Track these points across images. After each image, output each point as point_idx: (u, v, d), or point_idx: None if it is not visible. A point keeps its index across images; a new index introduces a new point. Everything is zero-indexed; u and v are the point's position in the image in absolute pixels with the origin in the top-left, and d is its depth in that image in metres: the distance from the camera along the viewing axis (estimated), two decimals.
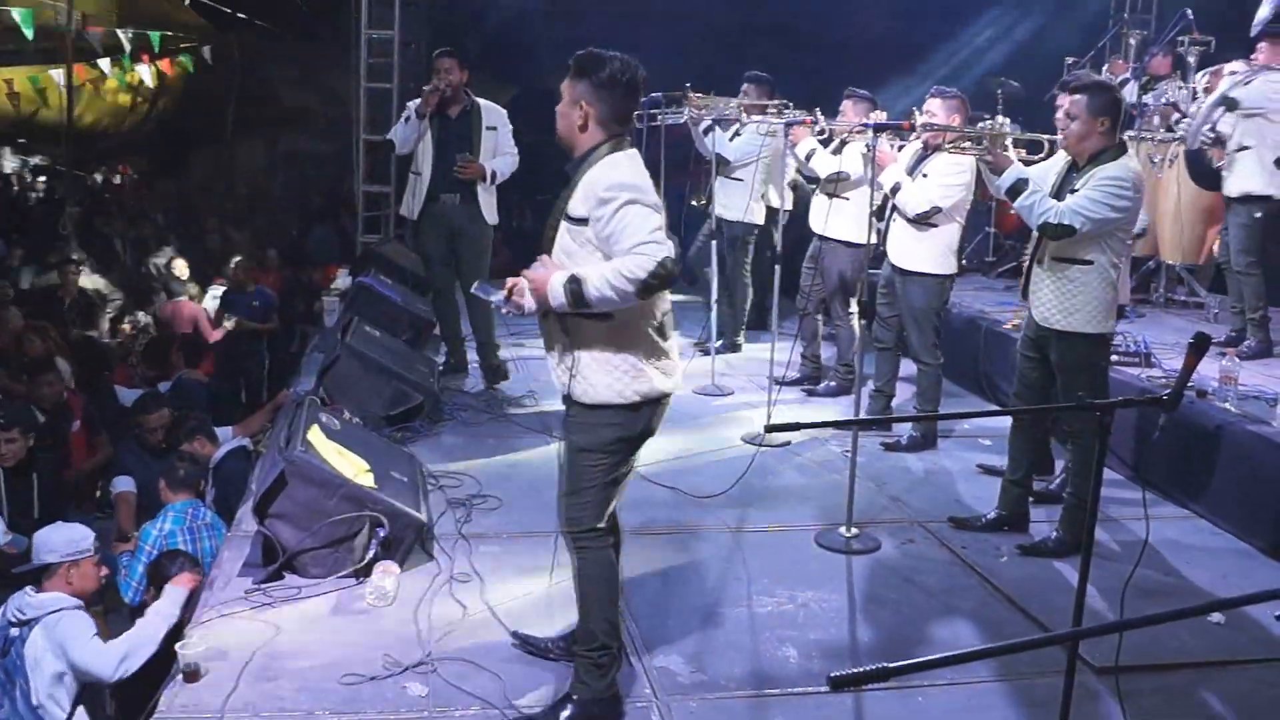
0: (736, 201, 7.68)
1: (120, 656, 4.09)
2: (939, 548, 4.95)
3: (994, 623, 4.25)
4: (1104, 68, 9.19)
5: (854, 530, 4.92)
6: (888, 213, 6.20)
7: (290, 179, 19.15)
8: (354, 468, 4.54)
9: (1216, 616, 4.27)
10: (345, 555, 4.35)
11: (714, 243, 7.44)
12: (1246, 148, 6.68)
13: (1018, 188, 4.76)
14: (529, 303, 3.40)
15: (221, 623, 3.99)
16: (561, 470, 3.51)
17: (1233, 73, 7.00)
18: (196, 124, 18.52)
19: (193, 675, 3.61)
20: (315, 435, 4.64)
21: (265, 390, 9.44)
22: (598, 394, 3.34)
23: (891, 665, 1.55)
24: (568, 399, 3.44)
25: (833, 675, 1.55)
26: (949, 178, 5.89)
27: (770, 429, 2.58)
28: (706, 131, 7.55)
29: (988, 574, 4.66)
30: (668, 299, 3.47)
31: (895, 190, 6.00)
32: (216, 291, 10.86)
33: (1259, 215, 6.64)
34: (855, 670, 1.56)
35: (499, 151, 6.88)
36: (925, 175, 5.95)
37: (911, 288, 6.10)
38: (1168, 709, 3.68)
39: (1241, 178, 6.70)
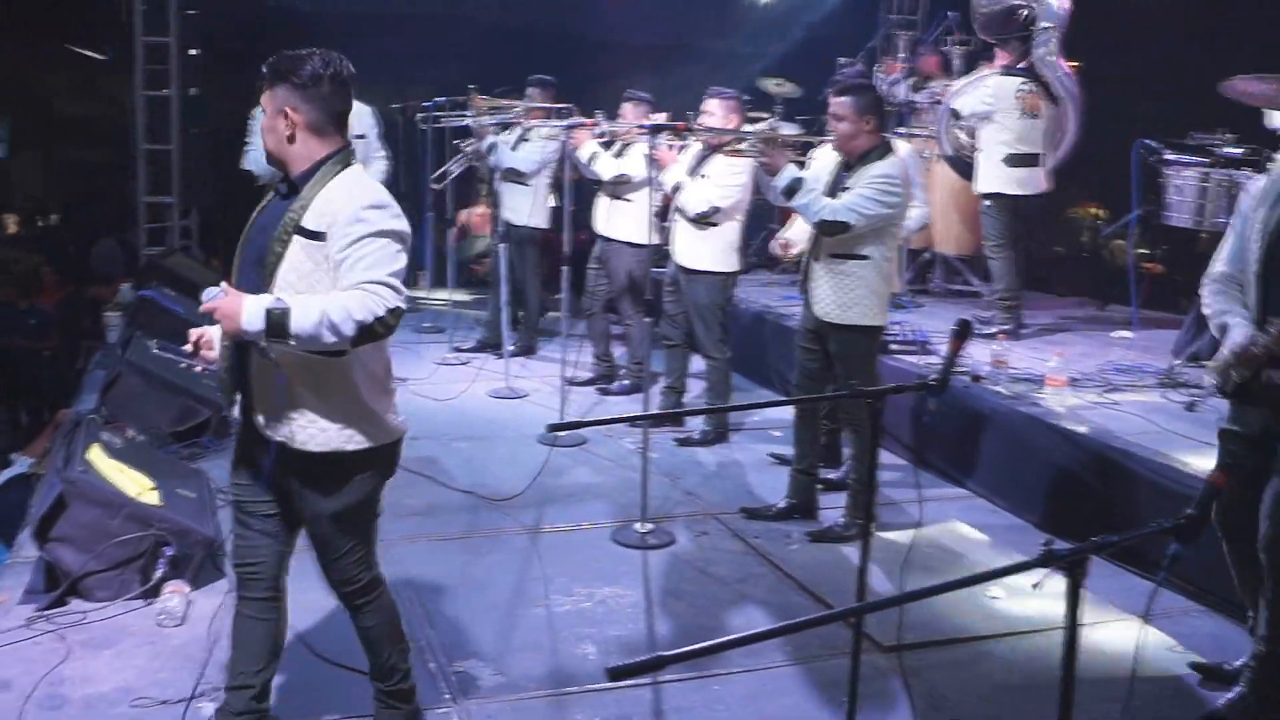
0: (522, 205, 7.66)
1: None
2: (732, 538, 5.05)
3: (786, 608, 4.35)
4: (877, 68, 9.56)
5: (649, 525, 4.98)
6: (671, 213, 6.30)
7: (68, 191, 18.13)
8: (138, 486, 4.40)
9: (996, 590, 4.49)
10: (132, 577, 4.20)
11: (502, 246, 7.41)
12: (979, 150, 7.29)
13: (793, 187, 4.88)
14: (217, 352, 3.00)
15: (2, 653, 3.77)
16: (314, 540, 3.11)
17: (960, 83, 7.74)
18: None
19: None
20: (96, 454, 4.50)
21: (47, 412, 8.94)
22: (331, 440, 2.93)
23: (666, 654, 1.57)
24: (283, 450, 2.94)
25: (609, 667, 1.55)
26: (727, 178, 6.02)
27: (553, 428, 2.59)
28: (490, 150, 7.51)
29: (779, 562, 4.78)
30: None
31: (676, 190, 6.10)
32: None
33: (988, 204, 7.24)
34: (632, 661, 1.57)
35: (367, 160, 6.51)
36: (705, 176, 6.06)
37: (696, 285, 6.21)
38: (952, 681, 3.84)
39: (979, 178, 7.32)
